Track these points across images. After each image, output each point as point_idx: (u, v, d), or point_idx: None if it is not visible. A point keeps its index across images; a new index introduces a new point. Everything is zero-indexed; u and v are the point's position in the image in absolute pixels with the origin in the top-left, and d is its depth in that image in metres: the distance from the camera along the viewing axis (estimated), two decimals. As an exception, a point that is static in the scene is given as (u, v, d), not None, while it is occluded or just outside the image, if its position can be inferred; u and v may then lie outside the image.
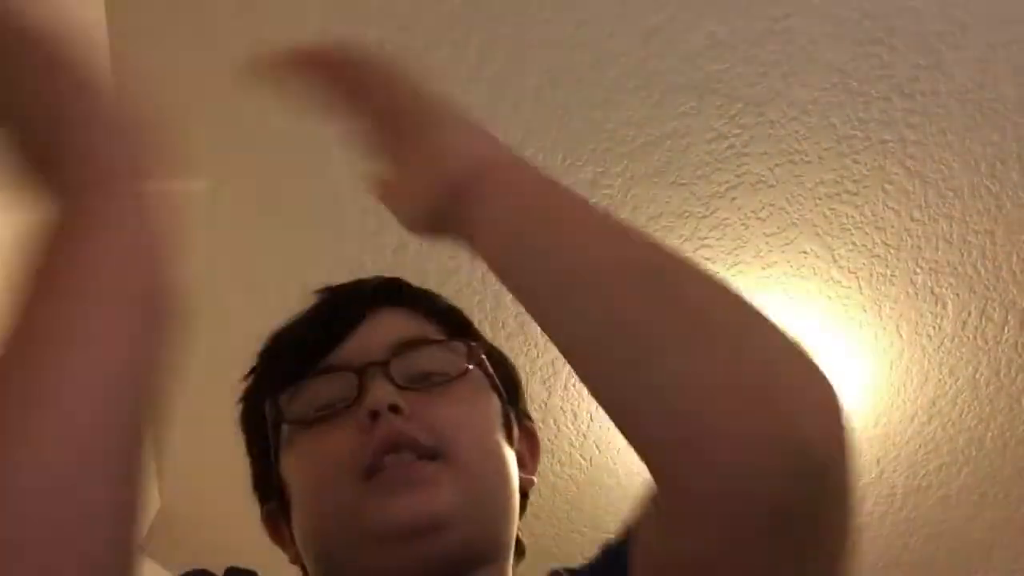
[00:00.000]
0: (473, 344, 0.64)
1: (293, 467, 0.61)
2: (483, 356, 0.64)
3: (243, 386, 0.68)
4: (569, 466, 1.77)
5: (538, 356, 1.61)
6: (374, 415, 0.56)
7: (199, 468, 1.73)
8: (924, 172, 1.41)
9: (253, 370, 0.68)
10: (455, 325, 0.67)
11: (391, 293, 0.66)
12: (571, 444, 1.73)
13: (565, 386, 1.65)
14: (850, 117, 1.36)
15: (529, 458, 0.67)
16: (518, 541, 0.65)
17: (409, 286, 0.68)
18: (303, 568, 0.63)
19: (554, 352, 1.65)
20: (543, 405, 1.67)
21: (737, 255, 1.50)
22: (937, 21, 1.27)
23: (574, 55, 1.31)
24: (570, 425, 1.70)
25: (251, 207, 1.46)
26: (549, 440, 1.72)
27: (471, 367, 0.62)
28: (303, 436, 0.60)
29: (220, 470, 1.78)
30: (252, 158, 1.42)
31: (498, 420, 0.62)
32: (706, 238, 1.48)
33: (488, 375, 0.64)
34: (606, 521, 1.84)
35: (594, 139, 1.38)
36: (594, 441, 1.73)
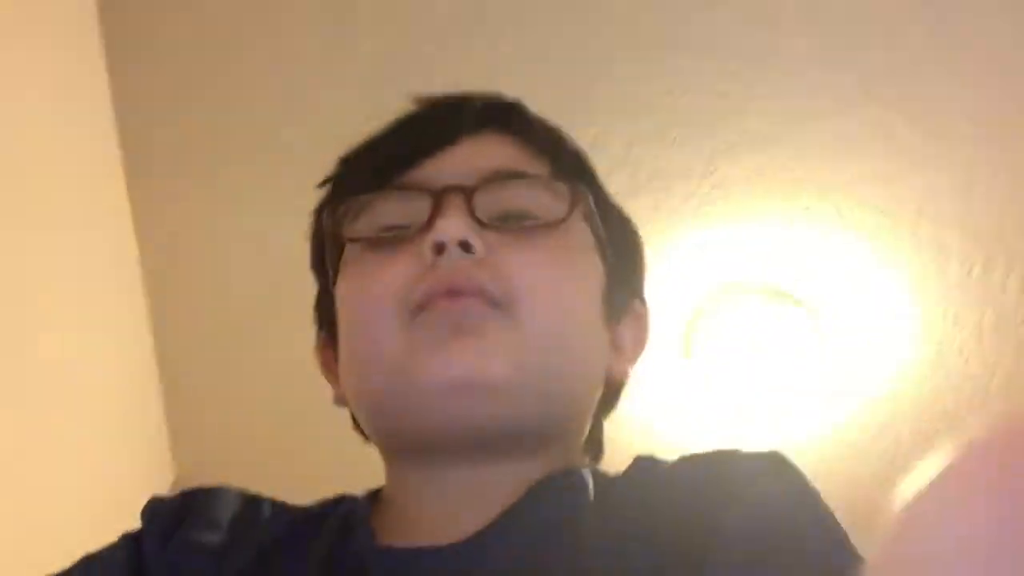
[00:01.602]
0: (581, 188, 0.53)
1: (344, 295, 0.53)
2: (592, 206, 0.54)
3: (319, 190, 0.59)
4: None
5: (544, 318, 1.61)
6: (439, 248, 0.47)
7: (214, 436, 1.75)
8: (926, 122, 1.40)
9: (329, 178, 0.58)
10: (571, 166, 0.57)
11: (501, 114, 0.57)
12: (579, 405, 1.74)
13: (572, 347, 1.66)
14: (850, 69, 1.35)
15: (631, 345, 0.58)
16: (596, 439, 0.57)
17: (526, 111, 0.59)
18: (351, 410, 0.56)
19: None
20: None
21: (740, 212, 1.50)
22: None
23: (569, 14, 1.30)
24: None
25: (251, 209, 1.47)
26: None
27: (571, 215, 0.52)
28: (359, 259, 0.52)
29: (236, 438, 1.80)
30: (254, 162, 1.42)
31: (595, 287, 0.54)
32: (709, 195, 1.48)
33: (595, 231, 0.54)
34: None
35: (593, 99, 1.38)
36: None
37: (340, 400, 0.55)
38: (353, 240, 0.52)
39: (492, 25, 1.31)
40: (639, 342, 0.60)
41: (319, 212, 0.57)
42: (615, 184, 1.62)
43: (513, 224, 0.50)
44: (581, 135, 1.47)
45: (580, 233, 0.53)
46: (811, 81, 1.36)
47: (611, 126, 1.40)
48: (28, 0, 1.15)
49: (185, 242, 1.53)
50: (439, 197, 0.49)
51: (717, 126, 1.41)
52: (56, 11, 1.22)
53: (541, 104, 1.47)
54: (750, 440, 1.82)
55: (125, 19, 1.32)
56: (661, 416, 1.77)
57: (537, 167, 0.54)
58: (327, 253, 0.54)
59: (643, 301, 0.61)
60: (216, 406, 1.71)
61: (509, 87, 1.37)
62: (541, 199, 0.52)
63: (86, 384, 1.38)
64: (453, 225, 0.47)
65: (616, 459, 1.88)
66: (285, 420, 1.60)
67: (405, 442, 0.50)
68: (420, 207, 0.49)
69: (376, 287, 0.49)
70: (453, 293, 0.47)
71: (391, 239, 0.50)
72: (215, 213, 1.50)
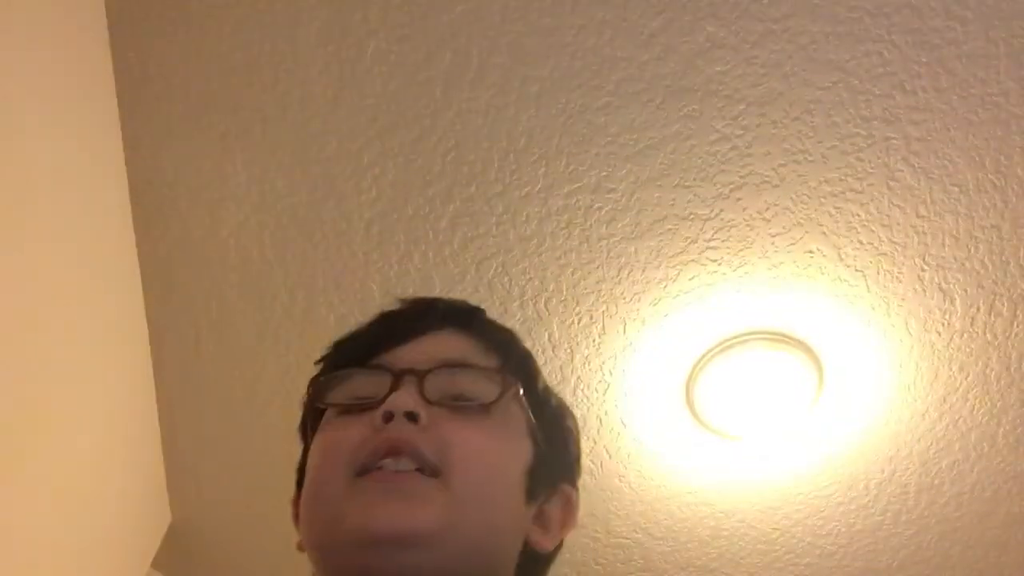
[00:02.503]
0: (510, 378, 0.62)
1: (312, 451, 0.61)
2: (520, 394, 0.63)
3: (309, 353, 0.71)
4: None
5: (546, 363, 1.60)
6: (388, 416, 0.56)
7: (210, 484, 1.73)
8: (928, 168, 1.41)
9: (324, 356, 0.70)
10: (516, 362, 0.66)
11: (462, 317, 0.67)
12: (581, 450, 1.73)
13: (574, 392, 1.65)
14: (853, 115, 1.36)
15: (557, 522, 0.64)
16: None
17: (484, 318, 0.69)
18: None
19: (562, 357, 1.67)
20: (552, 411, 1.67)
21: (743, 256, 1.50)
22: (937, 17, 1.27)
23: (575, 61, 1.31)
24: (580, 431, 1.70)
25: (252, 215, 1.47)
26: (559, 446, 1.72)
27: (501, 399, 0.61)
28: (331, 423, 0.61)
29: (231, 485, 1.78)
30: (253, 169, 1.42)
31: (520, 463, 0.61)
32: (711, 240, 1.48)
33: (528, 419, 0.63)
34: (618, 526, 1.84)
35: (597, 144, 1.39)
36: (605, 447, 1.72)
37: (300, 547, 0.62)
38: (324, 406, 0.62)
39: (496, 69, 1.32)
40: (566, 521, 0.66)
41: (310, 383, 0.67)
42: (618, 229, 1.64)
43: (457, 404, 0.59)
44: (585, 180, 1.50)
45: (514, 418, 0.62)
46: (814, 126, 1.37)
47: (614, 170, 1.41)
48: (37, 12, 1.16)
49: (188, 291, 1.53)
50: (397, 376, 0.59)
51: (720, 170, 1.41)
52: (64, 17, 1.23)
53: (545, 151, 1.49)
54: (752, 484, 1.80)
55: (134, 37, 1.33)
56: (665, 462, 1.75)
57: (486, 361, 0.63)
58: (308, 418, 0.64)
59: (574, 485, 0.68)
60: (212, 455, 1.69)
61: (513, 137, 1.39)
62: (480, 385, 0.61)
63: (84, 431, 1.37)
64: (402, 398, 0.57)
65: (625, 502, 1.85)
66: (280, 469, 1.58)
67: None
68: (382, 384, 0.59)
69: (333, 446, 0.58)
70: (394, 450, 0.55)
71: (357, 407, 0.60)
72: (219, 258, 1.50)
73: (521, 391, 0.63)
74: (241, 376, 1.62)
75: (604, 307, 1.55)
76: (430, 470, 0.55)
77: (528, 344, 1.60)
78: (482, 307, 0.70)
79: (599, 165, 1.40)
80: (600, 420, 1.69)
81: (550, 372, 1.62)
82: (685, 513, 1.83)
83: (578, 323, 1.57)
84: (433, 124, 1.37)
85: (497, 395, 0.61)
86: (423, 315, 0.67)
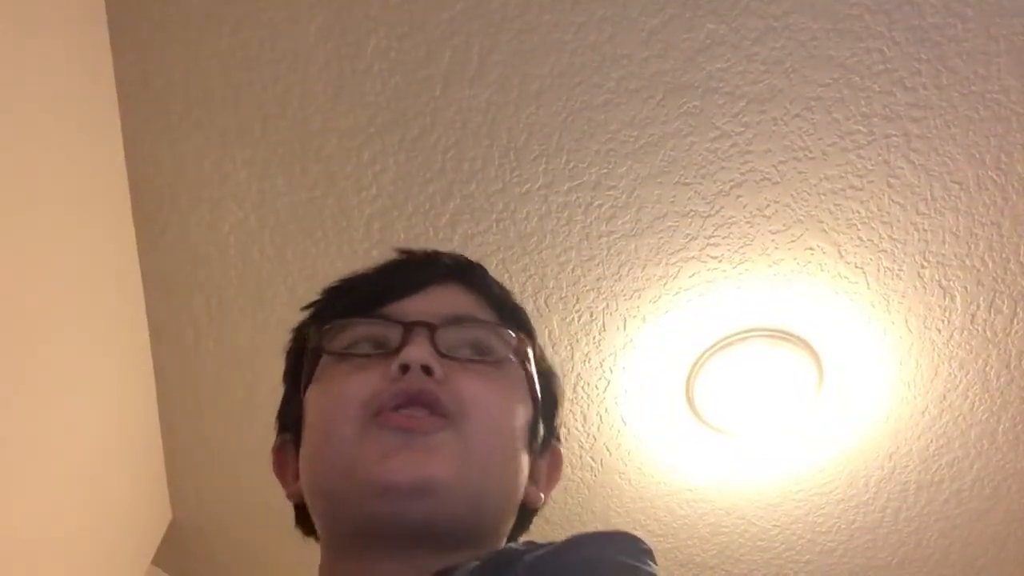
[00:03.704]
0: (523, 337, 0.64)
1: (314, 398, 0.61)
2: (528, 353, 0.64)
3: (302, 315, 0.70)
4: (580, 468, 1.76)
5: (546, 359, 1.60)
6: (404, 368, 0.57)
7: (211, 481, 1.73)
8: (929, 165, 1.41)
9: (314, 303, 0.69)
10: (514, 320, 0.67)
11: (464, 272, 0.68)
12: (581, 446, 1.73)
13: (574, 388, 1.65)
14: (853, 112, 1.36)
15: (545, 477, 0.67)
16: None
17: (484, 272, 0.70)
18: (298, 506, 0.63)
19: (562, 354, 1.66)
20: (552, 408, 1.67)
21: (743, 253, 1.50)
22: (937, 14, 1.27)
23: (575, 58, 1.31)
24: (580, 427, 1.70)
25: (252, 213, 1.47)
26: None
27: (512, 358, 0.62)
28: (333, 370, 0.61)
29: (232, 483, 1.78)
30: (254, 168, 1.42)
31: (522, 420, 0.62)
32: (712, 237, 1.48)
33: (528, 376, 0.64)
34: (617, 523, 1.84)
35: (597, 141, 1.39)
36: (604, 443, 1.72)
37: (294, 496, 0.63)
38: (332, 353, 0.61)
39: (496, 66, 1.32)
40: (553, 477, 0.68)
41: (299, 330, 0.67)
42: (618, 226, 1.64)
43: (465, 356, 0.60)
44: (585, 177, 1.50)
45: (517, 375, 0.63)
46: (814, 123, 1.37)
47: (615, 168, 1.41)
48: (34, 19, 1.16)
49: (188, 289, 1.53)
50: (408, 328, 0.59)
51: (720, 167, 1.41)
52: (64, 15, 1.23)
53: (546, 148, 1.49)
54: (752, 481, 1.80)
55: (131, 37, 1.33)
56: (665, 459, 1.75)
57: (488, 316, 0.65)
58: (305, 362, 0.63)
59: (559, 440, 0.71)
60: (213, 452, 1.69)
61: (514, 134, 1.39)
62: (491, 341, 0.62)
63: (85, 429, 1.37)
64: (418, 351, 0.57)
65: (625, 499, 1.85)
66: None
67: (347, 534, 0.56)
68: (392, 334, 0.59)
69: (345, 392, 0.58)
70: (413, 399, 0.55)
71: (364, 355, 0.60)
72: (219, 256, 1.50)
73: (529, 352, 0.64)
74: (241, 374, 1.62)
75: (604, 304, 1.55)
76: (446, 415, 0.56)
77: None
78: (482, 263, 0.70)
79: (599, 162, 1.40)
80: (600, 417, 1.69)
81: (550, 369, 1.62)
82: (685, 510, 1.83)
83: (578, 320, 1.57)
84: (433, 121, 1.37)
85: (511, 352, 0.62)
86: (427, 268, 0.67)
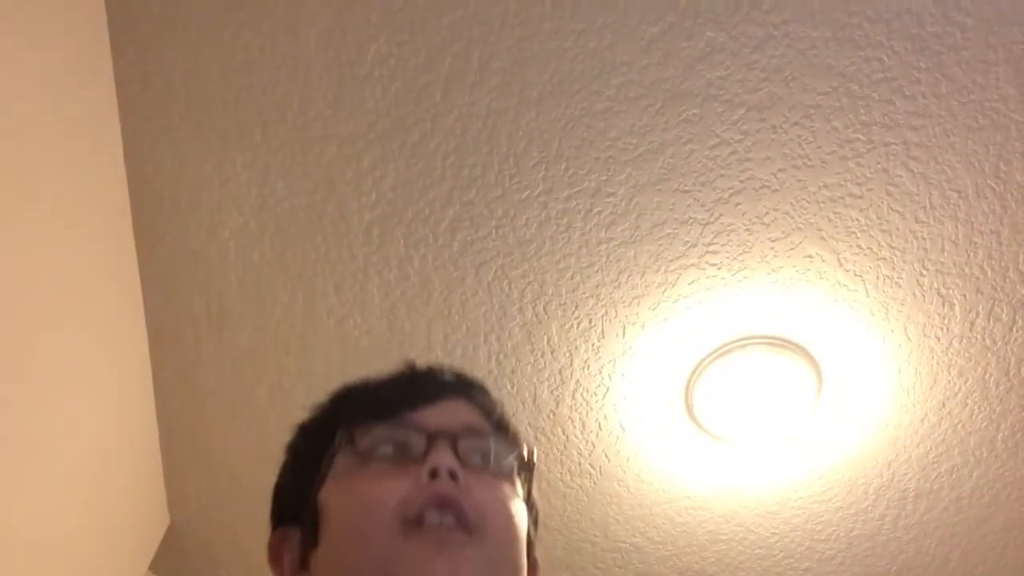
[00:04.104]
0: (529, 452, 0.71)
1: (340, 498, 0.65)
2: (529, 472, 0.71)
3: (307, 416, 0.74)
4: (579, 475, 1.76)
5: (545, 366, 1.61)
6: (434, 473, 0.61)
7: (209, 486, 1.73)
8: (928, 174, 1.41)
9: (325, 404, 0.73)
10: (507, 429, 0.73)
11: (472, 390, 0.74)
12: (580, 453, 1.73)
13: (573, 395, 1.65)
14: (852, 120, 1.36)
15: (535, 538, 0.72)
16: None
17: (490, 394, 0.76)
18: None
19: (561, 361, 1.66)
20: (551, 415, 1.67)
21: (742, 260, 1.50)
22: (936, 23, 1.27)
23: (575, 65, 1.31)
24: (579, 434, 1.70)
25: (252, 218, 1.47)
26: (558, 450, 1.72)
27: (523, 472, 0.69)
28: (360, 472, 0.64)
29: (230, 488, 1.78)
30: (254, 172, 1.43)
31: (525, 531, 0.67)
32: (711, 244, 1.48)
33: (528, 488, 0.70)
34: (616, 530, 1.84)
35: (597, 148, 1.39)
36: (603, 450, 1.72)
37: None
38: (361, 455, 0.65)
39: (496, 73, 1.32)
40: (536, 532, 0.73)
41: (310, 428, 0.72)
42: (617, 233, 1.64)
43: (480, 467, 0.65)
44: (584, 184, 1.50)
45: (518, 484, 0.69)
46: (813, 131, 1.37)
47: (614, 175, 1.41)
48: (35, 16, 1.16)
49: (188, 293, 1.53)
50: (432, 437, 0.64)
51: (719, 175, 1.41)
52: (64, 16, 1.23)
53: (546, 155, 1.49)
54: (751, 488, 1.80)
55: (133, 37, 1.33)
56: (664, 466, 1.75)
57: (489, 427, 0.71)
58: (323, 463, 0.67)
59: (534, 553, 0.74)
60: (211, 457, 1.69)
61: (514, 141, 1.39)
62: (500, 452, 0.68)
63: (83, 433, 1.37)
64: (445, 459, 0.62)
65: (624, 506, 1.85)
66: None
67: None
68: (415, 441, 0.64)
69: (377, 497, 0.62)
70: (443, 503, 0.60)
71: (391, 460, 0.64)
72: (218, 260, 1.50)
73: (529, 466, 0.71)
74: (240, 378, 1.62)
75: (603, 311, 1.55)
76: (469, 527, 0.60)
77: (527, 348, 1.62)
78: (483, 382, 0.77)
79: (599, 169, 1.41)
80: (599, 424, 1.69)
81: (549, 376, 1.62)
82: (684, 517, 1.83)
83: (577, 327, 1.57)
84: (433, 127, 1.37)
85: (520, 464, 0.69)
86: (439, 382, 0.73)
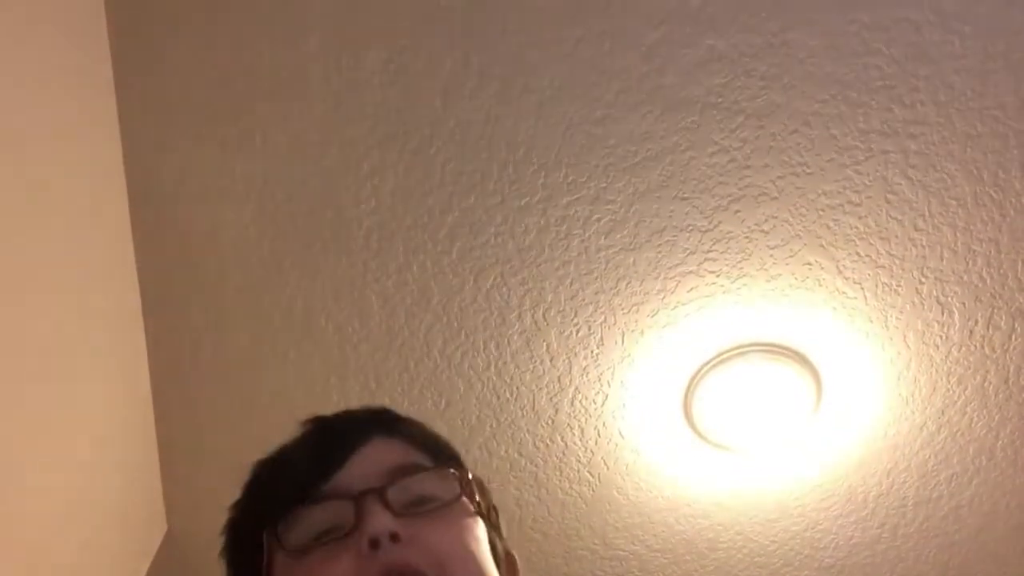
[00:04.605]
0: (463, 471, 0.66)
1: None
2: (472, 487, 0.66)
3: (229, 516, 0.70)
4: (577, 483, 1.76)
5: (544, 373, 1.60)
6: (374, 543, 0.57)
7: (207, 493, 1.73)
8: (927, 181, 1.41)
9: (242, 499, 0.70)
10: (443, 453, 0.69)
11: (382, 423, 0.68)
12: (579, 461, 1.73)
13: (572, 402, 1.64)
14: (851, 128, 1.36)
15: (501, 536, 0.68)
16: None
17: (398, 415, 0.70)
18: None
19: (560, 368, 1.66)
20: (550, 421, 1.67)
21: (741, 268, 1.50)
22: (935, 31, 1.27)
23: (574, 72, 1.31)
24: (578, 442, 1.70)
25: (251, 224, 1.47)
26: (557, 457, 1.71)
27: (462, 494, 0.64)
28: (300, 565, 0.60)
29: (228, 495, 1.77)
30: (253, 179, 1.43)
31: (485, 546, 0.64)
32: (710, 251, 1.48)
33: (475, 501, 0.65)
34: (616, 538, 1.83)
35: (596, 155, 1.39)
36: (602, 458, 1.72)
37: None
38: (295, 551, 0.60)
39: (496, 79, 1.32)
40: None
41: (236, 530, 0.69)
42: (617, 240, 1.64)
43: (421, 508, 0.61)
44: (584, 191, 1.50)
45: (467, 505, 0.65)
46: (812, 138, 1.37)
47: (613, 182, 1.41)
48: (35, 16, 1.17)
49: (186, 300, 1.53)
50: (359, 501, 0.59)
51: (719, 182, 1.42)
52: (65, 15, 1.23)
53: (545, 162, 1.48)
54: (750, 496, 1.79)
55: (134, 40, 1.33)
56: (663, 473, 1.75)
57: (421, 458, 0.66)
58: (264, 566, 0.62)
59: (507, 547, 0.71)
60: (209, 464, 1.69)
61: (513, 148, 1.39)
62: (436, 484, 0.63)
63: (80, 439, 1.37)
64: (379, 523, 0.57)
65: (623, 514, 1.84)
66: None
67: None
68: (344, 512, 0.59)
69: None
70: (395, 575, 0.56)
71: (326, 543, 0.59)
72: (217, 267, 1.50)
73: (469, 477, 0.66)
74: (239, 385, 1.61)
75: (602, 318, 1.55)
76: None
77: (526, 355, 1.61)
78: (387, 406, 0.71)
79: (598, 176, 1.41)
80: (598, 432, 1.68)
81: (548, 383, 1.62)
82: (683, 525, 1.82)
83: (576, 334, 1.57)
84: (432, 134, 1.37)
85: (458, 491, 0.64)
86: (349, 431, 0.67)
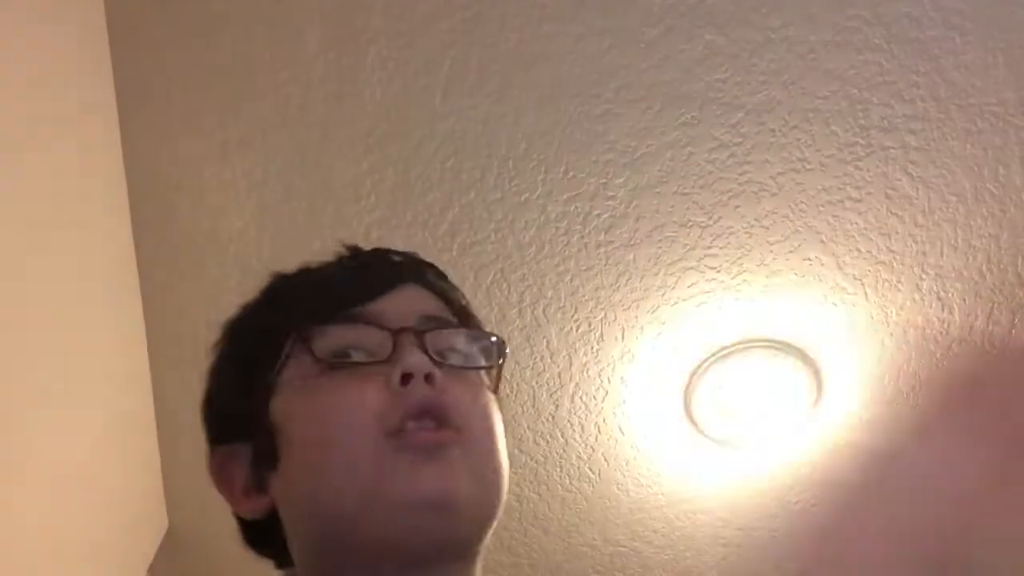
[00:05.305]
0: (501, 341, 0.64)
1: (304, 411, 0.58)
2: (502, 359, 0.64)
3: (236, 316, 0.67)
4: (578, 479, 1.76)
5: (544, 369, 1.60)
6: (407, 378, 0.55)
7: (207, 489, 1.73)
8: (927, 177, 1.41)
9: (258, 302, 0.67)
10: (471, 316, 0.67)
11: (422, 272, 0.66)
12: (579, 457, 1.73)
13: (572, 398, 1.65)
14: (851, 124, 1.36)
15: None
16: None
17: (438, 271, 0.68)
18: (251, 523, 0.61)
19: (561, 364, 1.66)
20: (551, 418, 1.67)
21: (741, 264, 1.50)
22: (936, 27, 1.27)
23: (574, 68, 1.31)
24: (578, 438, 1.70)
25: (251, 222, 1.47)
26: (557, 453, 1.71)
27: (494, 364, 0.63)
28: (322, 380, 0.57)
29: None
30: (253, 177, 1.43)
31: (502, 426, 0.62)
32: (710, 247, 1.48)
33: (497, 382, 0.64)
34: (616, 534, 1.83)
35: (596, 151, 1.39)
36: (603, 454, 1.72)
37: (258, 512, 0.61)
38: (324, 362, 0.58)
39: (495, 76, 1.32)
40: None
41: (249, 327, 0.65)
42: (617, 236, 1.64)
43: (455, 363, 0.60)
44: (584, 187, 1.50)
45: (489, 378, 0.63)
46: (812, 134, 1.37)
47: (613, 178, 1.41)
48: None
49: (187, 296, 1.53)
50: (397, 335, 0.57)
51: (719, 178, 1.41)
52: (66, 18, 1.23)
53: (545, 158, 1.48)
54: (750, 492, 1.80)
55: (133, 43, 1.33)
56: (663, 469, 1.75)
57: (449, 316, 0.64)
58: (276, 370, 0.59)
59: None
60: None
61: (513, 144, 1.38)
62: (469, 345, 0.62)
63: (82, 435, 1.37)
64: (418, 361, 0.56)
65: (623, 510, 1.84)
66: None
67: (353, 554, 0.55)
68: (380, 341, 0.57)
69: (351, 405, 0.56)
70: (425, 411, 0.55)
71: (355, 364, 0.57)
72: (217, 264, 1.50)
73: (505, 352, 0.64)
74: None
75: (602, 314, 1.55)
76: (453, 428, 0.56)
77: (526, 351, 1.61)
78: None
79: (598, 172, 1.41)
80: (598, 427, 1.68)
81: (548, 379, 1.62)
82: (683, 521, 1.83)
83: (576, 330, 1.57)
84: (432, 131, 1.37)
85: (494, 359, 0.62)
86: (390, 268, 0.65)
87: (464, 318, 0.65)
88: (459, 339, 0.62)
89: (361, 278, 0.63)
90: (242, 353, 0.65)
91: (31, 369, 1.19)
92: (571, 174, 1.41)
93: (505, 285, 1.51)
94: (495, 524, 0.59)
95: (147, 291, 1.53)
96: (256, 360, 0.61)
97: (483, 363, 0.62)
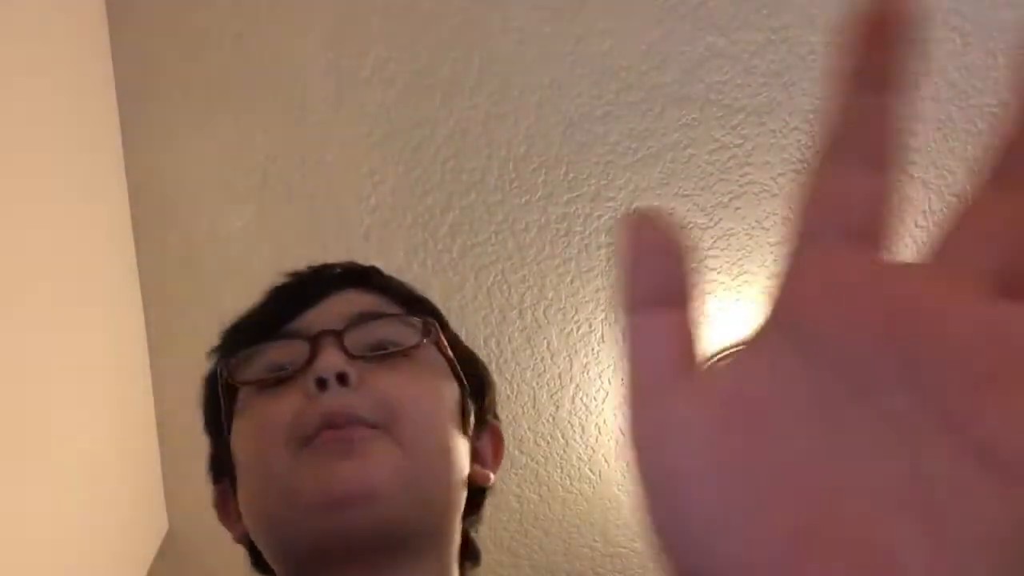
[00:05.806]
0: (429, 319, 0.62)
1: (240, 434, 0.59)
2: (440, 335, 0.62)
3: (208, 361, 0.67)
4: (579, 480, 1.76)
5: (545, 370, 1.60)
6: (321, 383, 0.55)
7: (207, 491, 1.73)
8: (927, 178, 1.41)
9: (216, 347, 0.67)
10: (419, 306, 0.65)
11: (359, 276, 0.66)
12: (580, 458, 1.73)
13: (572, 399, 1.64)
14: (852, 125, 1.36)
15: (490, 455, 0.65)
16: (469, 543, 0.63)
17: (379, 272, 0.67)
18: (249, 547, 0.61)
19: (561, 365, 1.66)
20: (551, 419, 1.67)
21: (742, 265, 1.50)
22: (937, 28, 1.27)
23: (574, 70, 1.31)
24: (579, 439, 1.70)
25: (252, 223, 1.47)
26: (558, 454, 1.71)
27: (425, 341, 0.60)
28: (252, 401, 0.59)
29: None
30: (253, 178, 1.43)
31: (450, 404, 0.60)
32: (711, 248, 1.48)
33: (447, 358, 0.62)
34: (617, 535, 1.83)
35: (596, 152, 1.39)
36: (603, 455, 1.72)
37: (241, 539, 0.61)
38: (244, 383, 0.59)
39: (496, 77, 1.32)
40: (497, 454, 0.67)
41: (209, 377, 0.65)
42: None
43: (379, 353, 0.58)
44: (584, 188, 1.50)
45: (435, 359, 0.61)
46: (812, 135, 1.37)
47: (613, 179, 1.41)
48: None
49: (187, 297, 1.53)
50: (315, 340, 0.57)
51: (719, 179, 1.41)
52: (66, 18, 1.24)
53: (545, 159, 1.48)
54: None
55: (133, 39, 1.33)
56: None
57: (393, 309, 0.63)
58: (223, 404, 0.60)
59: (497, 417, 0.68)
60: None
61: (513, 146, 1.39)
62: (401, 331, 0.60)
63: (81, 438, 1.37)
64: (329, 362, 0.55)
65: (624, 511, 1.84)
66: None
67: (303, 561, 0.56)
68: (300, 350, 0.57)
69: (268, 421, 0.56)
70: (336, 422, 0.54)
71: (277, 380, 0.58)
72: (218, 265, 1.50)
73: (440, 333, 0.62)
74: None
75: (603, 315, 1.55)
76: (375, 429, 0.54)
77: (527, 352, 1.61)
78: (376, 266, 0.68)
79: (598, 174, 1.41)
80: (599, 429, 1.68)
81: (549, 380, 1.62)
82: (684, 522, 1.82)
83: (577, 331, 1.57)
84: (433, 132, 1.37)
85: (419, 338, 0.60)
86: (320, 279, 0.65)
87: (411, 305, 0.64)
88: (392, 327, 0.60)
89: (290, 296, 0.64)
90: (205, 398, 0.66)
91: (31, 369, 1.19)
92: (571, 175, 1.41)
93: (506, 286, 1.51)
94: (451, 509, 0.58)
95: (147, 291, 1.53)
96: (212, 401, 0.63)
97: (409, 344, 0.59)
